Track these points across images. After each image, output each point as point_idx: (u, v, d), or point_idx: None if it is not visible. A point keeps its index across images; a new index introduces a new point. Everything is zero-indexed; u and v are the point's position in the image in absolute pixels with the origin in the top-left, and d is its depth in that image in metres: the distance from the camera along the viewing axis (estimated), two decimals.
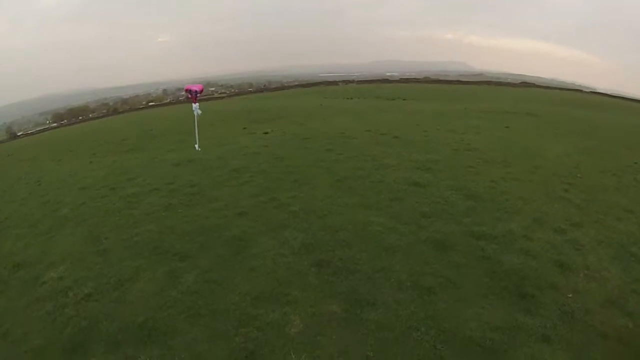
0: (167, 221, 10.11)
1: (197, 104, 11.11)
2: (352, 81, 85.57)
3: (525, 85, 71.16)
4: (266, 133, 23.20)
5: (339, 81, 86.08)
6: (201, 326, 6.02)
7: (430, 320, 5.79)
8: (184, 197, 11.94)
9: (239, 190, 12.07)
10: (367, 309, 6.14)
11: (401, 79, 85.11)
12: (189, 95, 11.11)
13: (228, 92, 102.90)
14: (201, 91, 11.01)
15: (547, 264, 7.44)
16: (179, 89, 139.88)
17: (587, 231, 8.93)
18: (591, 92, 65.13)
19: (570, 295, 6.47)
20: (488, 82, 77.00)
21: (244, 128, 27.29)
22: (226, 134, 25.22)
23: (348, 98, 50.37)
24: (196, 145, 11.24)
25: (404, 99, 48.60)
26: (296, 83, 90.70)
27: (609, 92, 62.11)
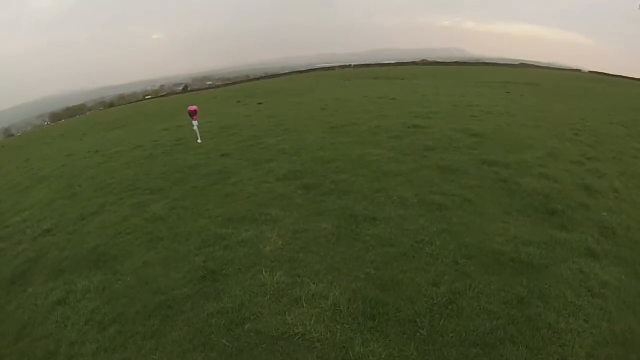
0: (145, 166, 9.50)
1: (196, 121, 10.92)
2: (349, 65, 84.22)
3: (524, 66, 69.76)
4: (260, 104, 22.31)
5: (336, 66, 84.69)
6: (158, 249, 5.21)
7: (447, 234, 4.81)
8: (166, 148, 11.40)
9: (225, 140, 11.32)
10: (365, 224, 5.17)
11: (398, 62, 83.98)
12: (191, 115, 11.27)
13: (222, 83, 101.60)
14: (195, 111, 11.02)
15: (571, 186, 6.52)
16: (176, 84, 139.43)
17: (605, 164, 8.01)
18: (590, 72, 64.08)
19: (605, 214, 5.60)
20: (486, 64, 75.63)
21: (238, 101, 26.36)
22: (219, 107, 24.35)
23: (345, 79, 49.53)
24: (198, 140, 10.91)
25: (402, 79, 47.44)
26: (292, 71, 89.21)
27: (608, 72, 61.13)
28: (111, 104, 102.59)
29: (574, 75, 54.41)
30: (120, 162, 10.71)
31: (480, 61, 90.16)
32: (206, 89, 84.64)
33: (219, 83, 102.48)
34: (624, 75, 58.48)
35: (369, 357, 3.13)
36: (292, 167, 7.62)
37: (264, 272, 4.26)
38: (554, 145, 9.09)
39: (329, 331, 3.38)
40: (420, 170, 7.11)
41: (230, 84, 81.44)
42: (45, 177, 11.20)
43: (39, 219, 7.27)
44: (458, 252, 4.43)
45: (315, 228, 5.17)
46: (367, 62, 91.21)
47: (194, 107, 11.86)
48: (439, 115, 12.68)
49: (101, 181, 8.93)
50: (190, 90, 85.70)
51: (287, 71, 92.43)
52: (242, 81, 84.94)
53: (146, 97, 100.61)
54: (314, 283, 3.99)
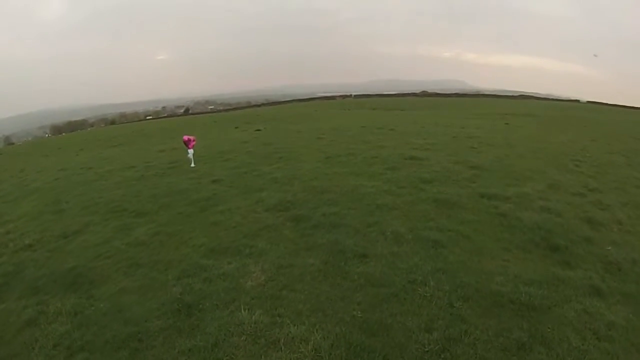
0: (135, 188, 9.31)
1: (192, 150, 10.92)
2: (350, 95, 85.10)
3: (524, 98, 70.49)
4: (258, 130, 22.27)
5: (336, 96, 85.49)
6: (136, 276, 4.97)
7: (442, 274, 4.47)
8: (159, 170, 11.22)
9: (218, 165, 11.12)
10: (355, 261, 4.84)
11: (398, 93, 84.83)
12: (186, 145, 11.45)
13: (224, 107, 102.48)
14: (189, 140, 11.12)
15: (574, 220, 6.27)
16: (178, 107, 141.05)
17: (608, 195, 7.82)
18: (588, 102, 64.69)
19: (610, 248, 5.34)
20: (486, 96, 76.51)
21: (236, 127, 26.37)
22: (217, 131, 24.37)
23: (345, 109, 49.76)
24: (192, 165, 10.82)
25: (401, 110, 47.79)
26: (293, 99, 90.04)
27: (607, 102, 61.83)
28: (112, 122, 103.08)
29: (572, 105, 55.02)
30: (111, 181, 10.57)
31: (480, 93, 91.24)
32: (207, 112, 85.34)
33: (221, 108, 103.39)
34: (622, 104, 59.19)
35: None
36: (283, 197, 7.37)
37: (242, 310, 3.96)
38: (554, 177, 8.92)
39: None
40: (417, 204, 6.85)
41: (231, 109, 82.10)
42: (36, 189, 11.11)
43: (22, 232, 7.18)
44: (454, 293, 4.11)
45: (301, 264, 4.87)
46: (368, 93, 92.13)
47: (186, 137, 11.76)
48: (438, 147, 12.53)
49: (89, 199, 8.77)
50: (192, 114, 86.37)
51: (288, 99, 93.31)
52: (243, 107, 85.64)
53: (147, 118, 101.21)
54: (294, 325, 3.68)
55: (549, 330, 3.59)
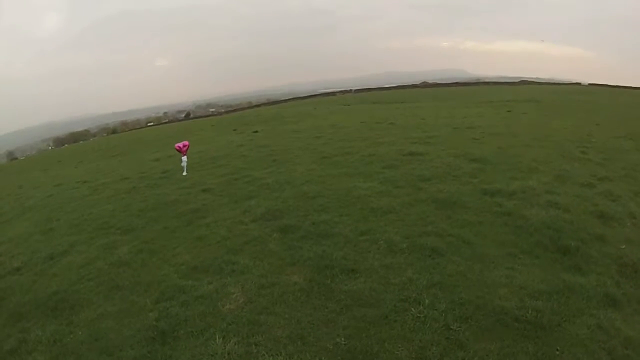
0: (125, 201, 9.02)
1: (185, 156, 10.64)
2: (350, 90, 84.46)
3: (525, 83, 69.57)
4: (255, 132, 21.91)
5: (337, 92, 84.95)
6: (116, 299, 4.68)
7: (438, 289, 4.03)
8: (151, 181, 10.91)
9: (211, 172, 10.76)
10: (342, 277, 4.43)
11: (399, 85, 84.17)
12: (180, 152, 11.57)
13: (225, 110, 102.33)
14: (181, 148, 11.20)
15: (584, 215, 5.83)
16: (179, 112, 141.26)
17: (618, 184, 7.40)
18: (590, 84, 63.59)
19: (624, 247, 4.91)
20: (487, 83, 75.61)
21: (234, 129, 26.05)
22: (215, 135, 24.05)
23: (346, 105, 49.30)
24: (184, 173, 10.52)
25: (402, 102, 47.22)
26: (293, 97, 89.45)
27: (609, 84, 60.67)
28: (114, 131, 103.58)
29: (574, 89, 54.06)
30: (103, 195, 10.29)
31: (481, 81, 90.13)
32: (208, 116, 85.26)
33: (222, 110, 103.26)
34: (623, 85, 58.22)
35: None
36: (272, 204, 7.00)
37: (217, 338, 3.63)
38: (561, 167, 8.50)
39: None
40: (414, 205, 6.44)
41: (232, 111, 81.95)
42: (31, 207, 10.89)
43: (12, 255, 6.95)
44: (451, 312, 3.69)
45: (284, 282, 4.50)
46: (368, 87, 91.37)
47: (178, 145, 11.47)
48: (438, 140, 12.11)
49: (79, 216, 8.50)
50: (193, 118, 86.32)
51: (288, 97, 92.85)
52: (243, 108, 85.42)
53: (149, 124, 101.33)
54: (270, 355, 3.33)
55: (557, 352, 3.19)
